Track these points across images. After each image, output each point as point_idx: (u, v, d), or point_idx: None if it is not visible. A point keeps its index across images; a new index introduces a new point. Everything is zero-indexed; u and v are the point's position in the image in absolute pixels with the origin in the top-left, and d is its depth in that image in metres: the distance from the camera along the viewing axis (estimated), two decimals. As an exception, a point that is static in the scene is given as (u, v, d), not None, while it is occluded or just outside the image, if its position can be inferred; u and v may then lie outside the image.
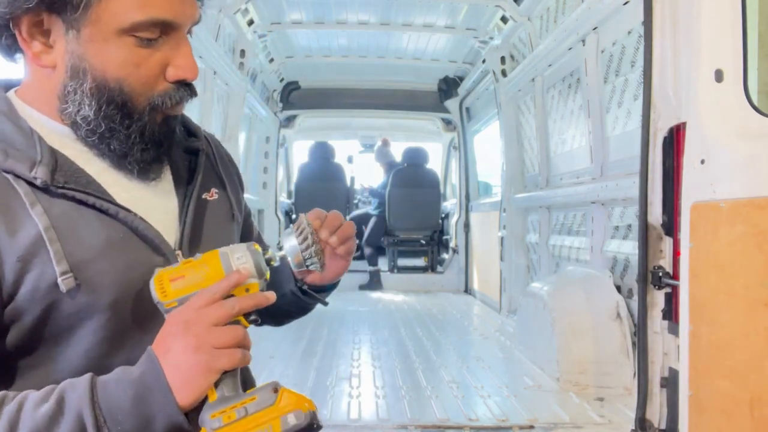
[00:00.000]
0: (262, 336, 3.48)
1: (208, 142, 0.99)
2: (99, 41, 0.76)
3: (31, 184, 0.75)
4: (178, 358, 0.70)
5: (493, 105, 4.87)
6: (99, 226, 0.78)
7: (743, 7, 1.61)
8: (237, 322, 0.75)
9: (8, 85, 0.86)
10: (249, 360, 0.75)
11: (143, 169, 0.84)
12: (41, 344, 0.77)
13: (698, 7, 1.66)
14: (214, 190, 0.94)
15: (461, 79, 5.87)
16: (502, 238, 4.79)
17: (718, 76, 1.62)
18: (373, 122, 7.27)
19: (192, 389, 0.70)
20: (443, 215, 7.09)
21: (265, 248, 0.83)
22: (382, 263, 6.74)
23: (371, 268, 6.56)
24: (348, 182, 7.29)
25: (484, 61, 4.82)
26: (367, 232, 6.89)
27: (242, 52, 4.16)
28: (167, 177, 0.90)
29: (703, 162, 1.63)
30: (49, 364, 0.77)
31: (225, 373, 0.73)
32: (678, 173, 1.83)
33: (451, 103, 6.19)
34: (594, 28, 3.00)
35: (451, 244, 6.70)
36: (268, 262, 0.82)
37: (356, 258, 7.36)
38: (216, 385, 0.73)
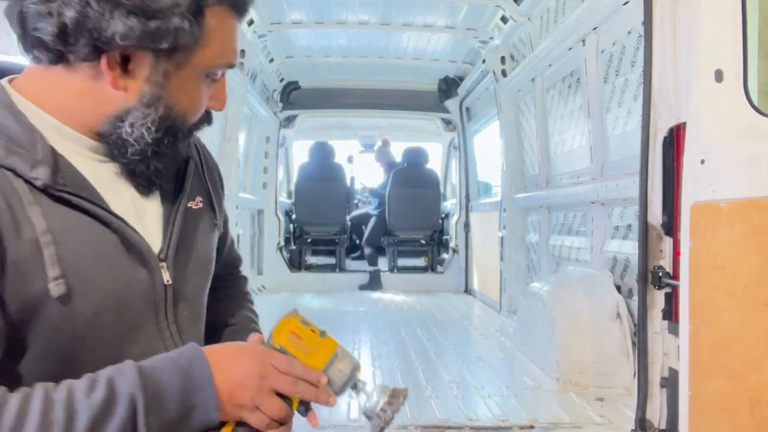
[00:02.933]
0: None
1: (197, 149, 1.00)
2: (183, 77, 0.82)
3: (29, 183, 0.74)
4: (236, 374, 0.76)
5: (493, 105, 4.87)
6: (93, 232, 0.78)
7: (743, 7, 1.62)
8: (290, 402, 0.81)
9: None
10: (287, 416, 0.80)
11: (153, 183, 0.87)
12: (28, 348, 0.75)
13: (698, 7, 1.67)
14: (198, 199, 0.95)
15: (461, 79, 5.87)
16: (502, 238, 4.79)
17: (718, 76, 1.62)
18: (373, 122, 7.27)
19: (233, 403, 0.76)
20: (443, 215, 7.09)
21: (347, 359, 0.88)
22: (382, 263, 6.74)
23: (371, 268, 6.56)
24: (348, 182, 7.29)
25: (484, 61, 4.82)
26: (367, 232, 6.89)
27: (242, 52, 4.16)
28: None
29: (703, 162, 1.63)
30: (33, 366, 0.76)
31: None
32: (678, 173, 1.83)
33: (451, 103, 6.19)
34: (594, 28, 3.00)
35: (451, 244, 6.70)
36: (354, 386, 0.88)
37: (356, 258, 7.37)
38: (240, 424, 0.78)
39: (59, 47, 0.76)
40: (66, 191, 0.76)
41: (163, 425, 0.71)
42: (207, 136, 2.98)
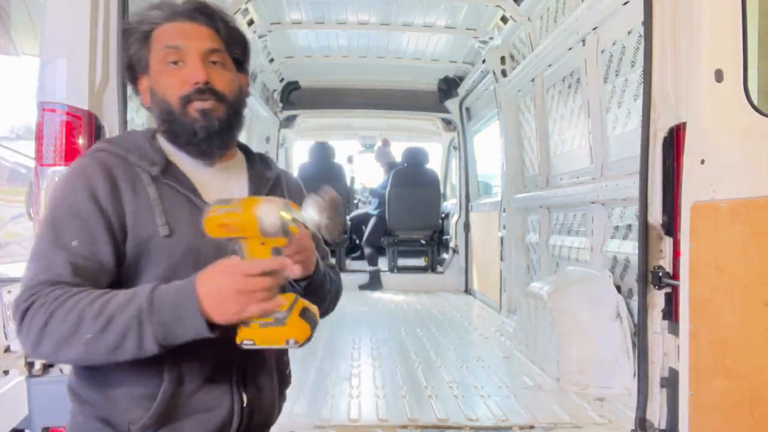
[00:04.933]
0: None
1: (280, 177, 1.37)
2: (155, 73, 1.23)
3: (149, 174, 1.18)
4: (219, 293, 1.00)
5: (493, 105, 4.87)
6: (186, 206, 1.18)
7: (743, 7, 1.62)
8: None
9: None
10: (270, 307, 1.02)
11: (206, 153, 1.23)
12: (142, 274, 1.15)
13: (698, 7, 1.67)
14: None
15: (461, 79, 5.87)
16: (502, 238, 4.79)
17: (718, 76, 1.63)
18: (373, 122, 7.27)
19: (221, 312, 1.00)
20: (443, 215, 7.09)
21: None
22: (382, 263, 6.74)
23: (371, 268, 6.55)
24: (348, 182, 7.29)
25: (484, 61, 4.81)
26: (367, 232, 6.88)
27: (242, 52, 4.15)
28: (241, 172, 1.31)
29: (703, 162, 1.63)
30: (143, 278, 1.14)
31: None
32: (678, 173, 1.83)
33: (451, 103, 6.19)
34: (594, 28, 3.00)
35: (451, 244, 6.70)
36: (294, 220, 1.02)
37: (356, 258, 7.37)
38: None
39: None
40: (169, 180, 1.19)
41: (161, 324, 1.01)
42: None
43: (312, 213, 1.02)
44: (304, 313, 1.03)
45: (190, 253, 1.15)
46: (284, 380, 1.35)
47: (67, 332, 1.01)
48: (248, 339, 1.02)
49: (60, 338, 1.02)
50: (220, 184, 1.26)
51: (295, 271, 1.14)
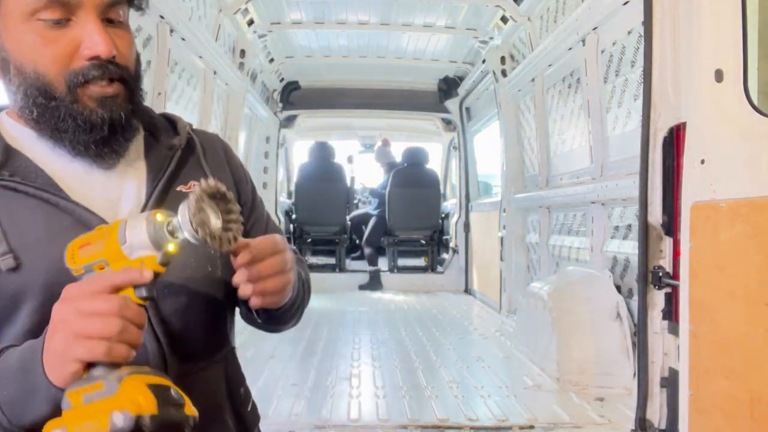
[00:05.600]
0: (262, 336, 3.48)
1: (193, 138, 0.98)
2: (11, 30, 0.81)
3: None
4: (52, 340, 0.70)
5: (493, 105, 4.87)
6: (42, 215, 0.82)
7: (743, 7, 1.61)
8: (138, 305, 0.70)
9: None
10: (121, 353, 0.67)
11: (97, 155, 0.86)
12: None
13: (698, 7, 1.66)
14: (193, 183, 0.91)
15: (461, 79, 5.87)
16: (502, 238, 4.79)
17: (718, 76, 1.62)
18: (373, 122, 7.27)
19: (59, 373, 0.69)
20: (443, 215, 7.09)
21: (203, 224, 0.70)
22: (382, 263, 6.74)
23: (371, 268, 6.56)
24: (348, 182, 7.29)
25: (484, 61, 4.82)
26: (367, 232, 6.89)
27: (242, 52, 4.16)
28: (139, 171, 0.91)
29: (703, 162, 1.63)
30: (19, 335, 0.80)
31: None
32: (678, 173, 1.83)
33: (451, 103, 6.19)
34: (594, 28, 3.00)
35: (451, 244, 6.70)
36: (172, 233, 0.71)
37: (356, 258, 7.37)
38: (91, 365, 0.68)
39: None
40: (10, 180, 0.82)
41: (10, 398, 0.73)
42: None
43: (183, 217, 0.70)
44: (159, 390, 0.67)
45: (52, 290, 0.75)
46: (248, 419, 0.99)
47: None
48: (57, 428, 0.66)
49: None
50: (95, 180, 0.87)
51: (254, 301, 0.80)
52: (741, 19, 1.61)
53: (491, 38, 4.55)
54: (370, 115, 6.73)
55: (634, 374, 2.44)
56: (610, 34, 2.92)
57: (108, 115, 0.83)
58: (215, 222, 0.72)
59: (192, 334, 0.89)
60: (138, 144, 0.93)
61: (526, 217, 4.50)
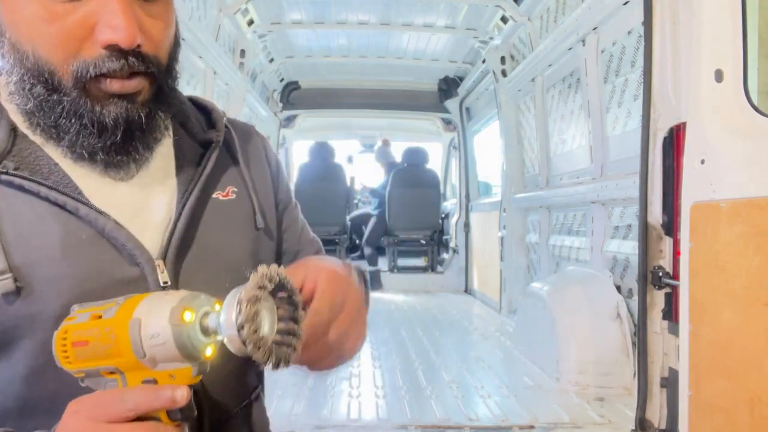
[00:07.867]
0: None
1: (230, 132, 0.81)
2: (11, 2, 0.63)
3: None
4: None
5: (493, 105, 4.87)
6: (54, 223, 0.64)
7: (743, 7, 1.61)
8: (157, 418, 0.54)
9: None
10: None
11: (107, 163, 0.68)
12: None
13: (698, 7, 1.66)
14: (231, 189, 0.78)
15: (461, 79, 5.87)
16: (502, 238, 4.79)
17: (718, 76, 1.62)
18: (373, 122, 7.27)
19: None
20: (443, 215, 7.09)
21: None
22: (382, 263, 6.74)
23: (371, 268, 6.55)
24: (348, 182, 7.29)
25: (484, 61, 4.81)
26: (367, 232, 6.89)
27: (242, 52, 4.16)
28: (166, 173, 0.75)
29: (703, 162, 1.63)
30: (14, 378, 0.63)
31: None
32: (678, 173, 1.83)
33: (451, 103, 6.19)
34: (594, 28, 3.00)
35: (451, 244, 6.70)
36: (206, 331, 0.53)
37: (356, 258, 7.37)
38: None
39: None
40: (16, 175, 0.63)
41: None
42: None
43: (229, 319, 0.51)
44: None
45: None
46: (251, 386, 0.88)
47: None
48: None
49: None
50: (120, 191, 0.70)
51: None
52: (741, 20, 1.61)
53: (491, 38, 4.55)
54: (370, 115, 6.73)
55: (634, 374, 2.44)
56: (610, 34, 2.92)
57: (124, 115, 0.65)
58: (269, 330, 0.54)
59: (222, 383, 0.76)
60: (166, 140, 0.76)
61: (526, 217, 4.50)
